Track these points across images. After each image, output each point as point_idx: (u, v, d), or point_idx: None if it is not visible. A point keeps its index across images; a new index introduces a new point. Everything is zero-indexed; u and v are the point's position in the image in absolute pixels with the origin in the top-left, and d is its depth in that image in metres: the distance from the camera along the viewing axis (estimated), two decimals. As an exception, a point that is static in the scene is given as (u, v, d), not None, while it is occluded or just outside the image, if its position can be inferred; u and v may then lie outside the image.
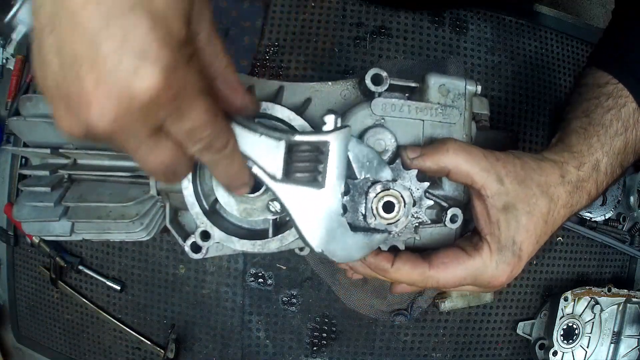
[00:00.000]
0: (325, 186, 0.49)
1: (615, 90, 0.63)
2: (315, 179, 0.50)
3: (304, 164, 0.50)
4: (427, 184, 0.57)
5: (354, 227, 0.52)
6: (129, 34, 0.32)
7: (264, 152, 0.47)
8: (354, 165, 0.53)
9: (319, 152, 0.50)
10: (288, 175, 0.49)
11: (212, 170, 0.47)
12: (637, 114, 0.62)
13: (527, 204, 0.56)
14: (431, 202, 0.58)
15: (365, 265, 0.59)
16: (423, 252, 0.59)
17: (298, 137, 0.49)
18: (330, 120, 0.50)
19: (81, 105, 0.34)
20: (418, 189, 0.57)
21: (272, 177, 0.48)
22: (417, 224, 0.59)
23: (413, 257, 0.57)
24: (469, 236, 0.61)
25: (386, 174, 0.55)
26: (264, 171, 0.48)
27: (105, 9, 0.32)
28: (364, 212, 0.55)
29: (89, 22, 0.32)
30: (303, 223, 0.50)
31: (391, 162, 0.57)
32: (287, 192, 0.49)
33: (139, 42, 0.33)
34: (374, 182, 0.55)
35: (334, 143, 0.49)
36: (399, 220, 0.56)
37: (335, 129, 0.50)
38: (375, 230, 0.54)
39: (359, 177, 0.54)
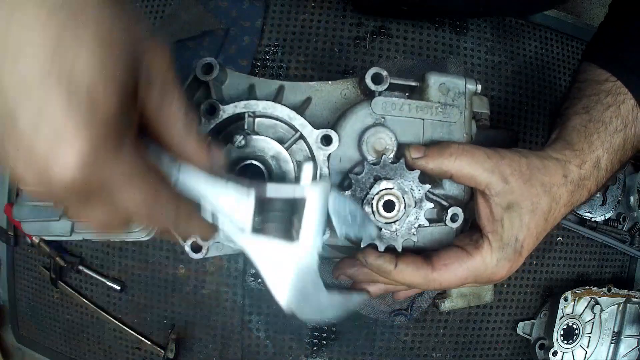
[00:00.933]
0: (299, 241, 0.46)
1: (614, 87, 0.64)
2: (288, 231, 0.48)
3: (277, 214, 0.47)
4: (428, 186, 0.57)
5: (329, 286, 0.49)
6: (44, 109, 0.27)
7: (231, 203, 0.44)
8: (334, 221, 0.51)
9: (294, 203, 0.47)
10: (259, 226, 0.46)
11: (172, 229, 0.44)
12: (636, 110, 0.63)
13: (531, 203, 0.56)
14: (431, 205, 0.58)
15: (365, 272, 0.59)
16: (423, 252, 0.59)
17: (270, 189, 0.46)
18: (308, 171, 0.47)
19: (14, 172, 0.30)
20: (420, 191, 0.57)
21: (241, 230, 0.44)
22: (416, 227, 0.58)
23: (415, 258, 0.57)
24: (468, 233, 0.61)
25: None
26: (232, 224, 0.44)
27: (22, 74, 0.27)
28: (364, 209, 0.56)
29: (8, 89, 0.27)
30: (272, 279, 0.46)
31: (394, 161, 0.57)
32: (256, 244, 0.45)
33: (53, 120, 0.28)
34: (377, 180, 0.56)
35: (312, 198, 0.46)
36: (398, 220, 0.56)
37: (314, 182, 0.47)
38: (352, 290, 0.53)
39: (339, 235, 0.51)
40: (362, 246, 0.57)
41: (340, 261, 0.62)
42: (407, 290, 0.64)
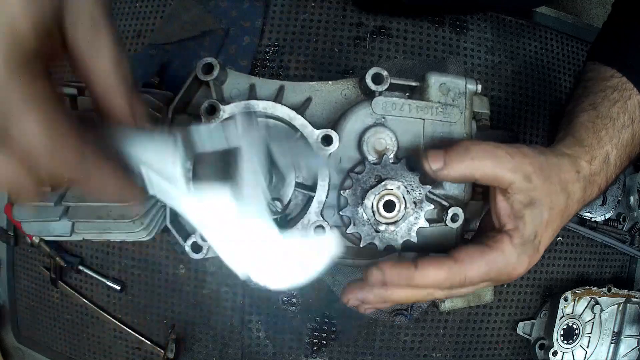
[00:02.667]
0: (241, 193, 0.40)
1: (620, 83, 0.64)
2: (230, 181, 0.42)
3: (212, 167, 0.42)
4: (429, 187, 0.57)
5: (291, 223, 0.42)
6: None
7: (158, 154, 0.38)
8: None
9: (230, 154, 0.41)
10: (193, 179, 0.40)
11: (84, 190, 0.40)
12: None
13: (550, 200, 0.56)
14: (432, 206, 0.58)
15: (376, 293, 0.55)
16: (423, 253, 0.58)
17: (196, 132, 0.40)
18: (241, 118, 0.43)
19: None
20: (420, 192, 0.57)
21: (173, 182, 0.38)
22: (416, 228, 0.58)
23: (433, 257, 0.55)
24: (486, 233, 0.60)
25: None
26: (161, 176, 0.38)
27: None
28: (361, 204, 0.55)
29: None
30: (216, 239, 0.40)
31: (394, 161, 0.57)
32: (193, 201, 0.40)
33: None
34: (378, 180, 0.56)
35: (248, 144, 0.40)
36: (398, 220, 0.56)
37: (248, 127, 0.42)
38: (323, 240, 0.47)
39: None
40: (361, 246, 0.57)
41: (348, 284, 0.58)
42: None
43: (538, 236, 0.57)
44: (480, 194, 0.64)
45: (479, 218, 0.68)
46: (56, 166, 0.35)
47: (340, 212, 0.58)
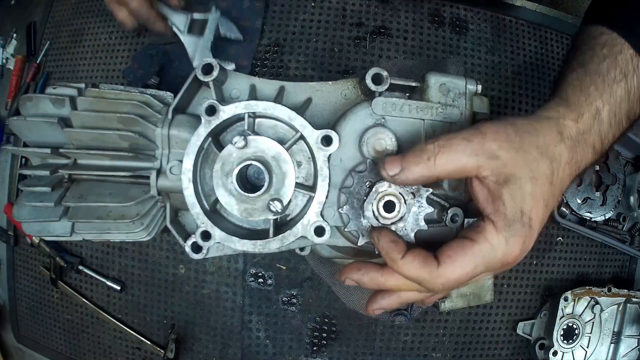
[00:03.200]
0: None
1: (609, 39, 0.61)
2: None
3: None
4: (430, 190, 0.57)
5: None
6: None
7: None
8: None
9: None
10: None
11: None
12: (636, 60, 0.59)
13: (529, 170, 0.53)
14: (431, 209, 0.58)
15: (371, 277, 0.56)
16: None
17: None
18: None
19: None
20: (421, 193, 0.57)
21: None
22: (422, 217, 0.58)
23: (425, 254, 0.54)
24: (470, 224, 0.58)
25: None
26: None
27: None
28: (362, 214, 0.56)
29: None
30: None
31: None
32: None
33: None
34: (372, 185, 0.56)
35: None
36: (398, 220, 0.56)
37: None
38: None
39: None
40: (358, 244, 0.57)
41: (347, 265, 0.59)
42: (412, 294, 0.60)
43: (526, 213, 0.52)
44: None
45: None
46: None
47: (346, 229, 0.57)
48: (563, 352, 1.04)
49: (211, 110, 0.56)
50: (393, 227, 0.57)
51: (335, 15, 1.04)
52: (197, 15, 0.96)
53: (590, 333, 1.07)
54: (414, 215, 0.57)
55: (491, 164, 0.52)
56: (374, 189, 0.56)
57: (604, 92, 0.58)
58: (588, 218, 1.10)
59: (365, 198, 0.57)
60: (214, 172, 0.55)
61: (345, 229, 0.57)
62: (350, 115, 0.60)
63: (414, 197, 0.57)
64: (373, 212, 0.56)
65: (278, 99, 0.61)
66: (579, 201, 1.09)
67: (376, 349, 1.03)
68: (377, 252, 0.56)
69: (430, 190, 0.57)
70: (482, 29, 1.09)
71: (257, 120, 0.60)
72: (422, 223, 0.57)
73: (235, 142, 0.54)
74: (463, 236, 0.55)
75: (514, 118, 0.56)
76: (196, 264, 1.01)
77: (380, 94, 0.60)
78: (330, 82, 0.63)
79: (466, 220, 0.58)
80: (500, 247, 0.53)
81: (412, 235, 0.57)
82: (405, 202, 0.56)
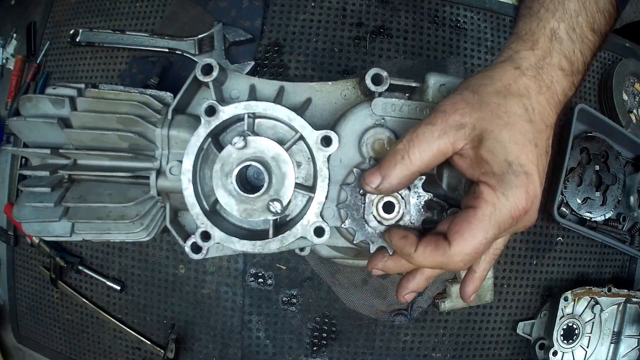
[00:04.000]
0: None
1: None
2: None
3: None
4: (430, 194, 0.57)
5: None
6: None
7: None
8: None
9: None
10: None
11: None
12: None
13: (498, 118, 0.51)
14: (430, 195, 0.57)
15: (394, 262, 0.57)
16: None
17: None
18: None
19: None
20: (420, 194, 0.57)
21: None
22: (423, 204, 0.58)
23: (435, 238, 0.53)
24: (467, 192, 0.56)
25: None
26: None
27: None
28: (365, 222, 0.56)
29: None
30: None
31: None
32: None
33: None
34: (365, 194, 0.56)
35: None
36: (404, 213, 0.57)
37: None
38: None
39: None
40: (354, 242, 0.57)
41: (372, 255, 0.59)
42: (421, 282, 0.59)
43: (513, 162, 0.50)
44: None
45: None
46: None
47: (354, 242, 0.58)
48: (563, 352, 1.04)
49: (211, 111, 0.56)
50: (401, 223, 0.57)
51: (335, 15, 1.04)
52: (202, 35, 1.01)
53: (590, 333, 1.07)
54: (416, 206, 0.57)
55: (461, 134, 0.51)
56: (367, 198, 0.56)
57: (556, 11, 0.56)
58: (588, 218, 1.10)
59: (363, 207, 0.57)
60: (213, 173, 0.55)
61: (354, 242, 0.58)
62: (350, 116, 0.60)
63: (409, 189, 0.57)
64: (375, 218, 0.57)
65: (278, 99, 0.61)
66: (579, 201, 1.09)
67: (376, 349, 1.03)
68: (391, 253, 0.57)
69: (424, 177, 0.57)
70: (482, 29, 1.08)
71: (257, 120, 0.60)
72: (426, 210, 0.57)
73: (235, 143, 0.54)
74: (465, 206, 0.53)
75: (468, 79, 0.55)
76: (196, 264, 1.01)
77: (380, 94, 0.60)
78: (330, 83, 0.63)
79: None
80: (502, 204, 0.50)
81: (420, 224, 0.57)
82: (402, 197, 0.57)
